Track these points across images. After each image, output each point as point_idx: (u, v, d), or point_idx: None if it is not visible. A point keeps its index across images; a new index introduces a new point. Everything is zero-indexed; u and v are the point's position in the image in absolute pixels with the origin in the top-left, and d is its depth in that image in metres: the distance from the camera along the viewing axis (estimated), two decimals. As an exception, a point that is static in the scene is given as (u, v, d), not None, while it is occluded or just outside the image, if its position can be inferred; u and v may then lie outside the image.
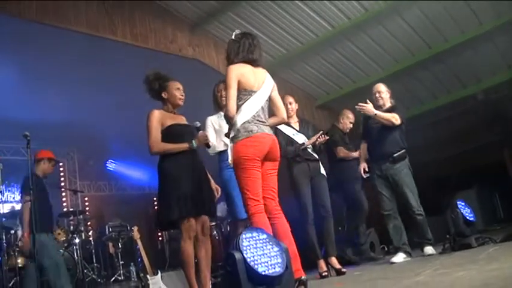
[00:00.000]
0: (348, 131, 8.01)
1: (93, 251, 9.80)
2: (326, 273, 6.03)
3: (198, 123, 5.02)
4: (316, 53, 10.36)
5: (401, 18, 9.23)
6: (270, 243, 3.68)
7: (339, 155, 7.70)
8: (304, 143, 6.30)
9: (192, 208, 4.70)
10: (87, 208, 12.53)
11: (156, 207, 14.11)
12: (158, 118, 4.93)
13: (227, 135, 4.44)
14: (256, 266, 3.50)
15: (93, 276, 9.05)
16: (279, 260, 3.61)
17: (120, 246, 9.29)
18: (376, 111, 6.24)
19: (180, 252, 4.76)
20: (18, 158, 10.89)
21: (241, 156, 4.17)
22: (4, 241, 8.03)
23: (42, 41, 7.80)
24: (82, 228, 9.92)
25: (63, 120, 9.72)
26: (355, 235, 7.82)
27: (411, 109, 11.03)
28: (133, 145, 6.97)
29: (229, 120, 4.31)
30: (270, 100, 4.53)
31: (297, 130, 6.46)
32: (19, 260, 7.86)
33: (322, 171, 6.41)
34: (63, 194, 12.40)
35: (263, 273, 3.50)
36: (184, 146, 4.82)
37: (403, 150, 6.36)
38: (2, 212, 10.10)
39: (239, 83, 4.32)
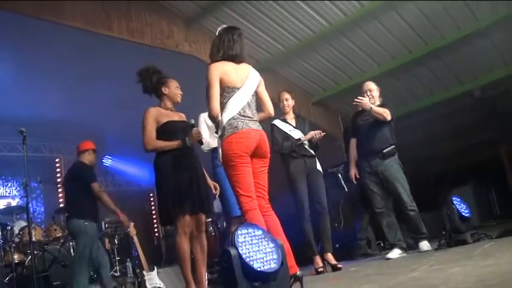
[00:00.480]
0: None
1: (89, 247, 9.78)
2: (322, 269, 6.04)
3: (192, 121, 5.02)
4: (313, 49, 10.36)
5: (398, 15, 9.24)
6: (266, 239, 3.68)
7: None
8: (300, 139, 6.30)
9: (187, 204, 4.71)
10: (83, 204, 12.49)
11: (152, 204, 14.27)
12: (154, 116, 4.94)
13: (217, 133, 4.43)
14: (251, 262, 3.50)
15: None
16: (275, 256, 3.61)
17: (116, 242, 9.27)
18: (371, 105, 6.24)
19: (175, 248, 4.77)
20: (15, 154, 10.86)
21: (229, 153, 4.15)
22: (0, 237, 8.02)
23: (39, 36, 7.79)
24: (78, 225, 9.89)
25: (59, 116, 9.72)
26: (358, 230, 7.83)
27: (408, 105, 11.04)
28: (130, 141, 6.96)
29: (213, 119, 4.31)
30: (257, 95, 4.48)
31: (293, 126, 6.45)
32: (15, 256, 7.85)
33: (319, 167, 6.41)
34: (60, 190, 12.37)
35: (258, 269, 3.50)
36: (176, 143, 4.83)
37: (393, 146, 6.37)
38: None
39: (221, 81, 4.28)
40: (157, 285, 7.30)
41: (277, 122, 6.47)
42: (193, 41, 9.42)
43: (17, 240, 8.17)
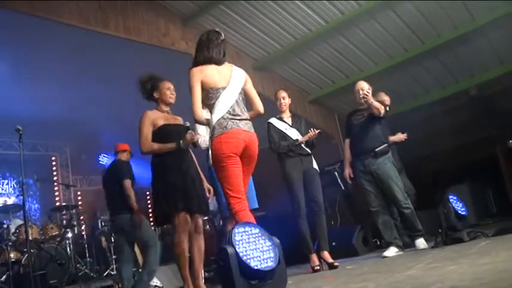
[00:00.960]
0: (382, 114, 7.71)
1: (86, 245, 9.79)
2: (318, 267, 6.05)
3: (187, 123, 5.02)
4: (310, 48, 10.36)
5: (395, 13, 9.24)
6: (263, 237, 3.68)
7: None
8: (298, 140, 6.30)
9: (184, 203, 4.74)
10: (79, 202, 12.49)
11: (148, 202, 14.23)
12: (151, 119, 5.00)
13: None
14: (248, 261, 3.50)
15: (86, 270, 9.04)
16: (272, 255, 3.62)
17: (112, 241, 9.27)
18: (373, 100, 6.28)
19: (174, 245, 4.80)
20: (11, 152, 10.86)
21: (218, 154, 4.15)
22: (-4, 235, 8.04)
23: (35, 34, 7.77)
24: (75, 223, 9.91)
25: (56, 114, 9.69)
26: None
27: (404, 104, 11.06)
28: (126, 140, 6.95)
29: (199, 123, 4.35)
30: (245, 94, 4.48)
31: (289, 125, 6.46)
32: (12, 255, 7.85)
33: (315, 165, 6.41)
34: (56, 188, 12.38)
35: (255, 267, 3.50)
36: (171, 146, 4.87)
37: (385, 145, 6.40)
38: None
39: (204, 84, 4.29)
40: (155, 284, 7.30)
41: (274, 121, 6.48)
42: (190, 39, 9.41)
43: (13, 238, 8.17)
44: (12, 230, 8.35)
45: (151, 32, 8.75)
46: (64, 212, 10.54)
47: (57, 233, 8.99)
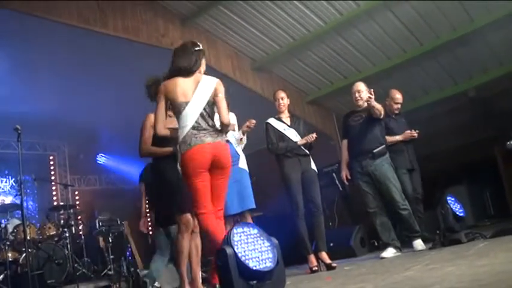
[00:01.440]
0: (396, 112, 7.58)
1: (84, 245, 9.78)
2: (316, 268, 6.05)
3: None
4: (308, 49, 10.35)
5: (393, 15, 9.24)
6: (261, 238, 3.69)
7: None
8: (296, 142, 6.31)
9: (187, 205, 4.76)
10: (77, 202, 12.48)
11: (146, 202, 14.21)
12: (152, 122, 4.98)
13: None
14: (247, 261, 3.50)
15: (84, 270, 9.03)
16: (270, 255, 3.62)
17: (110, 241, 9.26)
18: (375, 102, 6.28)
19: (175, 243, 4.87)
20: (8, 151, 10.85)
21: (184, 171, 4.23)
22: (-6, 235, 8.03)
23: (33, 34, 7.77)
24: (72, 223, 9.89)
25: (54, 113, 9.69)
26: None
27: (403, 105, 11.05)
28: (124, 139, 6.96)
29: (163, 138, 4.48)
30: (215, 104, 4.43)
31: (288, 125, 6.46)
32: (9, 254, 7.84)
33: (313, 166, 6.41)
34: (54, 188, 12.36)
35: (254, 268, 3.50)
36: (168, 150, 4.87)
37: (383, 146, 6.40)
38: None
39: (168, 100, 4.35)
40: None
41: (272, 121, 6.48)
42: (189, 39, 9.40)
43: (11, 238, 8.16)
44: (10, 229, 8.33)
45: (150, 32, 8.74)
46: (62, 212, 10.55)
47: (54, 232, 8.98)
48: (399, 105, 7.45)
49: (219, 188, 4.35)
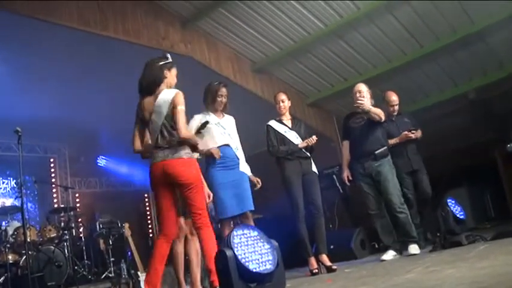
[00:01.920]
0: (394, 114, 7.39)
1: (84, 247, 9.78)
2: (316, 271, 6.05)
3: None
4: (308, 51, 10.36)
5: (393, 17, 9.24)
6: (261, 240, 3.69)
7: None
8: (297, 145, 6.31)
9: (182, 209, 4.77)
10: (78, 205, 12.48)
11: (146, 204, 14.25)
12: None
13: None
14: (247, 264, 3.50)
15: (84, 273, 9.03)
16: (270, 257, 3.62)
17: (110, 243, 9.27)
18: (370, 107, 6.26)
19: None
20: (9, 154, 10.85)
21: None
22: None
23: (33, 36, 7.76)
24: (73, 225, 9.90)
25: (54, 116, 9.68)
26: None
27: (403, 107, 11.05)
28: (124, 142, 6.94)
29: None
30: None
31: (289, 127, 6.46)
32: (10, 256, 7.84)
33: (314, 169, 6.41)
34: (54, 190, 12.36)
35: (254, 270, 3.50)
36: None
37: (385, 148, 6.38)
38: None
39: (139, 118, 4.45)
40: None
41: (273, 123, 6.48)
42: (189, 41, 9.42)
43: (11, 240, 8.16)
44: (11, 231, 8.33)
45: (151, 35, 8.74)
46: (62, 214, 10.54)
47: (55, 235, 8.98)
48: (396, 107, 7.38)
49: (190, 199, 4.31)
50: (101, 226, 10.03)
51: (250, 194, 5.72)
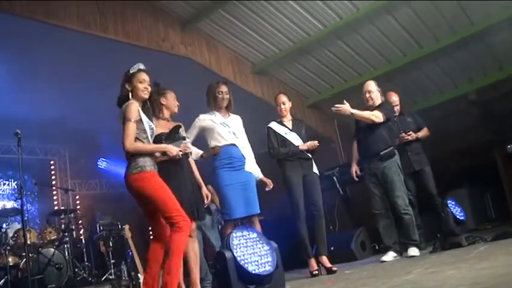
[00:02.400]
0: (396, 115, 7.25)
1: (84, 249, 9.78)
2: (317, 272, 6.03)
3: (183, 133, 5.02)
4: (308, 52, 10.36)
5: (393, 18, 9.24)
6: (261, 242, 3.69)
7: None
8: (297, 147, 6.29)
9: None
10: (78, 207, 12.47)
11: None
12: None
13: None
14: (246, 265, 3.51)
15: (84, 275, 9.02)
16: (269, 259, 3.62)
17: (111, 245, 9.26)
18: (352, 110, 6.19)
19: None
20: (9, 156, 10.85)
21: None
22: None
23: (33, 38, 7.76)
24: (73, 227, 9.89)
25: (55, 118, 9.69)
26: None
27: (404, 106, 11.06)
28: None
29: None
30: None
31: (289, 129, 6.45)
32: (10, 259, 7.83)
33: (315, 170, 6.40)
34: (54, 192, 12.37)
35: (253, 271, 3.51)
36: (163, 157, 4.85)
37: (391, 148, 6.33)
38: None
39: None
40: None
41: (274, 125, 6.47)
42: (189, 43, 9.43)
43: (11, 242, 8.15)
44: (11, 234, 8.33)
45: (151, 37, 8.75)
46: (62, 216, 10.53)
47: (55, 237, 8.97)
48: (397, 108, 7.37)
49: (157, 206, 4.25)
50: (101, 228, 10.03)
51: (257, 197, 5.71)
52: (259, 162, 6.02)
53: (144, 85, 4.45)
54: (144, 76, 4.51)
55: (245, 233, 3.63)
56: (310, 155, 6.40)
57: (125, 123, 4.21)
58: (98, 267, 9.86)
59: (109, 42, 8.16)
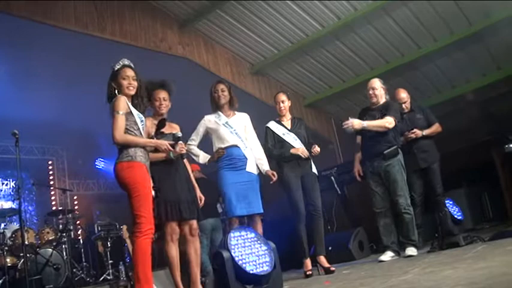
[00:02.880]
0: (405, 112, 7.25)
1: (82, 250, 9.76)
2: (310, 273, 6.01)
3: (179, 133, 5.02)
4: (306, 52, 10.38)
5: (391, 18, 9.26)
6: (259, 242, 3.69)
7: None
8: (290, 151, 6.26)
9: (174, 214, 4.79)
10: (76, 207, 12.46)
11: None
12: (146, 127, 4.97)
13: None
14: (244, 265, 3.51)
15: (82, 275, 9.00)
16: (267, 259, 3.62)
17: (109, 245, 9.25)
18: (364, 123, 6.18)
19: (164, 254, 4.84)
20: (6, 156, 10.84)
21: None
22: (-8, 240, 8.00)
23: (31, 38, 7.76)
24: (71, 227, 9.87)
25: (52, 118, 9.68)
26: None
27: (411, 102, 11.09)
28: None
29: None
30: None
31: (288, 129, 6.43)
32: (8, 259, 7.82)
33: (314, 170, 6.38)
34: (52, 192, 12.36)
35: (251, 271, 3.51)
36: (160, 155, 4.85)
37: (395, 147, 6.31)
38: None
39: None
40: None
41: (272, 125, 6.45)
42: (187, 43, 9.43)
43: (9, 243, 8.13)
44: (9, 234, 8.31)
45: (149, 37, 8.75)
46: (60, 217, 10.50)
47: (53, 237, 8.95)
48: (406, 104, 7.33)
49: (130, 204, 4.27)
50: (99, 228, 10.00)
51: (259, 197, 5.71)
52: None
53: (127, 81, 4.54)
54: (128, 72, 4.58)
55: (243, 233, 3.64)
56: (308, 155, 6.38)
57: (113, 115, 4.33)
58: (95, 267, 9.84)
59: (107, 44, 8.16)
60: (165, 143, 4.51)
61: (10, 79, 8.48)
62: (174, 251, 4.82)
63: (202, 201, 5.37)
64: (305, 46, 10.09)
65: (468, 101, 10.58)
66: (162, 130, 5.00)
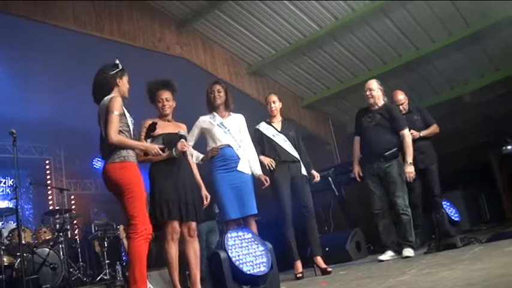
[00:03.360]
0: (403, 113, 7.17)
1: (79, 249, 9.74)
2: (301, 275, 5.98)
3: (182, 132, 5.02)
4: (304, 53, 10.38)
5: (389, 19, 9.27)
6: (256, 242, 3.69)
7: None
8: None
9: (175, 213, 4.78)
10: (73, 207, 12.45)
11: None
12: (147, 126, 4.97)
13: None
14: (241, 265, 3.51)
15: (79, 275, 8.99)
16: (264, 260, 3.62)
17: (106, 245, 9.23)
18: (409, 161, 6.23)
19: (164, 253, 4.83)
20: (3, 155, 10.83)
21: None
22: (-11, 240, 7.99)
23: (29, 37, 7.75)
24: (68, 227, 9.85)
25: (50, 117, 9.67)
26: None
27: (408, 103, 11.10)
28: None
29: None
30: None
31: (277, 130, 6.41)
32: (5, 259, 7.80)
33: (303, 171, 6.35)
34: (49, 192, 12.35)
35: (248, 272, 3.50)
36: (163, 155, 4.84)
37: (395, 149, 6.31)
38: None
39: None
40: (147, 288, 7.27)
41: (262, 126, 6.44)
42: (185, 43, 9.43)
43: (6, 242, 8.12)
44: (5, 234, 8.29)
45: (147, 37, 8.75)
46: (57, 216, 10.48)
47: (50, 237, 8.93)
48: (403, 106, 7.35)
49: (123, 205, 4.24)
50: (96, 228, 9.99)
51: (253, 197, 5.70)
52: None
53: (128, 86, 4.59)
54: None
55: (240, 233, 3.64)
56: (297, 158, 6.36)
57: (109, 114, 4.21)
58: (92, 267, 9.83)
59: (105, 43, 8.15)
60: (155, 147, 4.51)
61: (7, 78, 8.47)
62: (174, 250, 4.81)
63: (208, 200, 5.37)
64: (303, 46, 10.09)
65: (466, 103, 10.58)
66: (165, 131, 5.01)
